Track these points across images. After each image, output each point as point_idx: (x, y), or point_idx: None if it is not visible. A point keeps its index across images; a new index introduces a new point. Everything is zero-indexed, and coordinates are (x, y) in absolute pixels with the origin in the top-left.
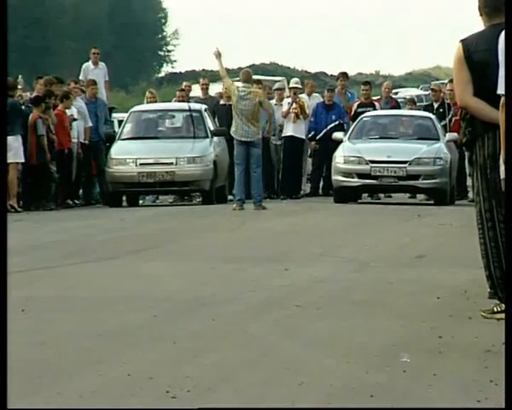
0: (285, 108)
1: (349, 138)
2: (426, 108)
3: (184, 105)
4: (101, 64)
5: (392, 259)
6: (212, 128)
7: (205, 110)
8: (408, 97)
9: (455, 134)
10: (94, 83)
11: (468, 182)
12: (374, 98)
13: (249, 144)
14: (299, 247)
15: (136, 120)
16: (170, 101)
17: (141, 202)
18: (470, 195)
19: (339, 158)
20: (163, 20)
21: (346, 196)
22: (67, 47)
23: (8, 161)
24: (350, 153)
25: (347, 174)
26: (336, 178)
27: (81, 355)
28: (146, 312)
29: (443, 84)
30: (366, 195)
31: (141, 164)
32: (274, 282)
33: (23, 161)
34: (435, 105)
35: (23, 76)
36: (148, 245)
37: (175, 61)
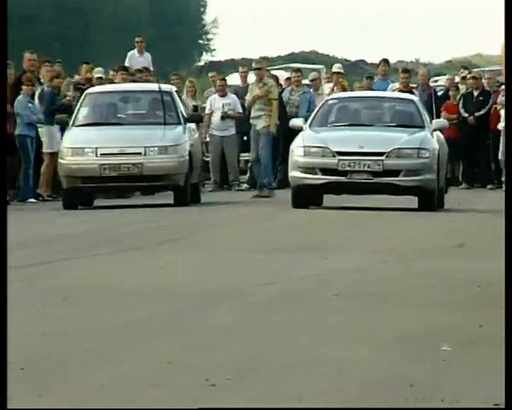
0: (326, 91)
1: (311, 126)
2: (465, 97)
3: (153, 86)
4: (146, 53)
5: (426, 249)
6: (184, 113)
7: (175, 91)
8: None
9: (443, 121)
10: (147, 70)
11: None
12: (413, 86)
13: None
14: (325, 237)
15: (94, 104)
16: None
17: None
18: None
19: (297, 150)
20: (202, 9)
21: (307, 196)
22: (108, 37)
23: (52, 150)
24: (311, 143)
25: (308, 169)
26: (294, 174)
27: (117, 344)
28: (172, 303)
29: (483, 72)
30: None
31: (102, 154)
32: (302, 272)
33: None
34: (475, 93)
35: (62, 65)
36: (172, 237)
37: (214, 49)
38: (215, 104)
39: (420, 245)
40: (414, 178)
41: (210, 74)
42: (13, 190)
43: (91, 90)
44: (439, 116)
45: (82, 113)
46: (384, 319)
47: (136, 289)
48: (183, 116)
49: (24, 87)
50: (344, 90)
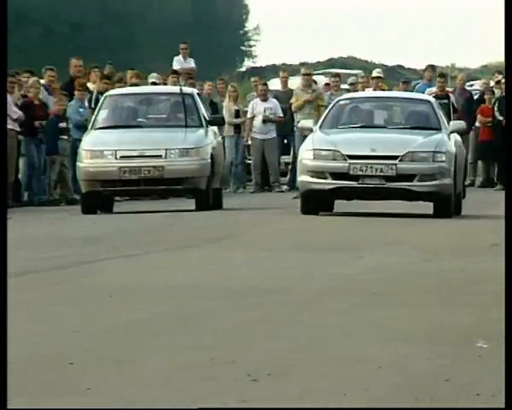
0: None
1: (321, 127)
2: (500, 100)
3: (173, 88)
4: (190, 59)
5: (462, 248)
6: (206, 116)
7: (197, 94)
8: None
9: (461, 122)
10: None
11: None
12: (449, 90)
13: None
14: (367, 235)
15: (114, 106)
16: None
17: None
18: None
19: (307, 153)
20: (244, 17)
21: (317, 202)
22: (153, 42)
23: None
24: (321, 146)
25: (318, 174)
26: (303, 179)
27: (165, 338)
28: (218, 298)
29: None
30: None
31: (122, 157)
32: (344, 270)
33: None
34: None
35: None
36: (214, 236)
37: (256, 55)
38: (257, 108)
39: (456, 245)
40: (429, 183)
41: (252, 79)
42: (61, 191)
43: (111, 92)
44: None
45: (101, 115)
46: (424, 316)
47: (189, 284)
48: (205, 119)
49: (76, 92)
50: None
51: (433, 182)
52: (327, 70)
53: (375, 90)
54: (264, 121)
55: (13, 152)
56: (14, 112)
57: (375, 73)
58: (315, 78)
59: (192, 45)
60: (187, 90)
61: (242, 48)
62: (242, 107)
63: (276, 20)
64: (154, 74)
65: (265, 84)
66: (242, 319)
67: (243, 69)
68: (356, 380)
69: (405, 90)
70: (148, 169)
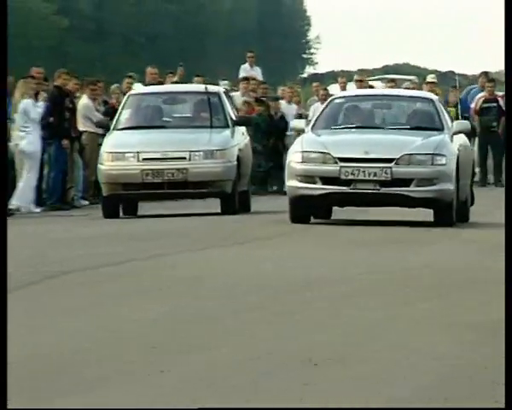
0: None
1: (313, 128)
2: None
3: (198, 87)
4: (256, 68)
5: None
6: (233, 116)
7: (224, 93)
8: None
9: (465, 122)
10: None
11: None
12: (498, 94)
13: None
14: (414, 233)
15: (136, 106)
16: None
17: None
18: None
19: (295, 155)
20: (306, 27)
21: (307, 209)
22: (222, 51)
23: None
24: (311, 147)
25: (306, 178)
26: (291, 183)
27: (230, 329)
28: (281, 291)
29: None
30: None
31: (144, 159)
32: (401, 263)
33: None
34: None
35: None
36: (265, 235)
37: (316, 63)
38: (318, 111)
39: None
40: (428, 188)
41: (314, 85)
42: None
43: (134, 91)
44: None
45: (124, 115)
46: (472, 306)
47: (236, 278)
48: (232, 119)
49: None
50: None
51: (432, 187)
52: (383, 76)
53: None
54: None
55: (95, 153)
56: (94, 116)
57: (429, 79)
58: (372, 83)
59: (257, 53)
60: (212, 88)
61: (304, 56)
62: (304, 110)
63: (335, 30)
64: (226, 82)
65: (326, 89)
66: (306, 311)
67: (305, 75)
68: (393, 370)
69: (456, 96)
70: (171, 172)
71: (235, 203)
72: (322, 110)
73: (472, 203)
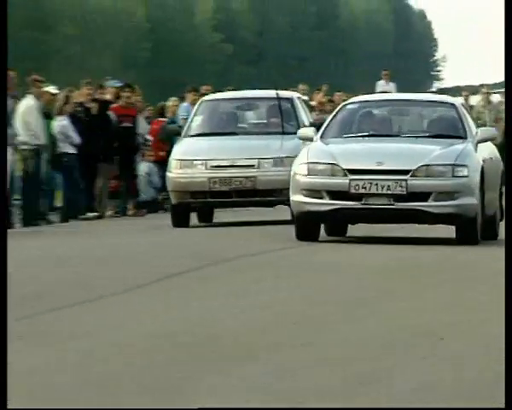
0: None
1: (322, 136)
2: None
3: (270, 92)
4: (391, 83)
5: None
6: (306, 122)
7: (297, 98)
8: None
9: (491, 129)
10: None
11: None
12: None
13: None
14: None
15: (210, 112)
16: None
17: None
18: None
19: (300, 167)
20: (434, 48)
21: (314, 227)
22: (362, 69)
23: None
24: (318, 158)
25: (313, 192)
26: (296, 198)
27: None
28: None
29: None
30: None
31: (212, 167)
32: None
33: None
34: None
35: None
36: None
37: (443, 78)
38: None
39: None
40: (448, 202)
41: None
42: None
43: (207, 97)
44: None
45: (196, 121)
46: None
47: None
48: (305, 126)
49: None
50: None
51: (453, 202)
52: (502, 89)
53: None
54: None
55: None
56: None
57: None
58: (493, 96)
59: (392, 71)
60: (285, 94)
61: (432, 73)
62: None
63: (459, 50)
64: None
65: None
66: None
67: (433, 89)
68: (415, 372)
69: None
70: (239, 180)
71: None
72: (333, 117)
73: (502, 218)
